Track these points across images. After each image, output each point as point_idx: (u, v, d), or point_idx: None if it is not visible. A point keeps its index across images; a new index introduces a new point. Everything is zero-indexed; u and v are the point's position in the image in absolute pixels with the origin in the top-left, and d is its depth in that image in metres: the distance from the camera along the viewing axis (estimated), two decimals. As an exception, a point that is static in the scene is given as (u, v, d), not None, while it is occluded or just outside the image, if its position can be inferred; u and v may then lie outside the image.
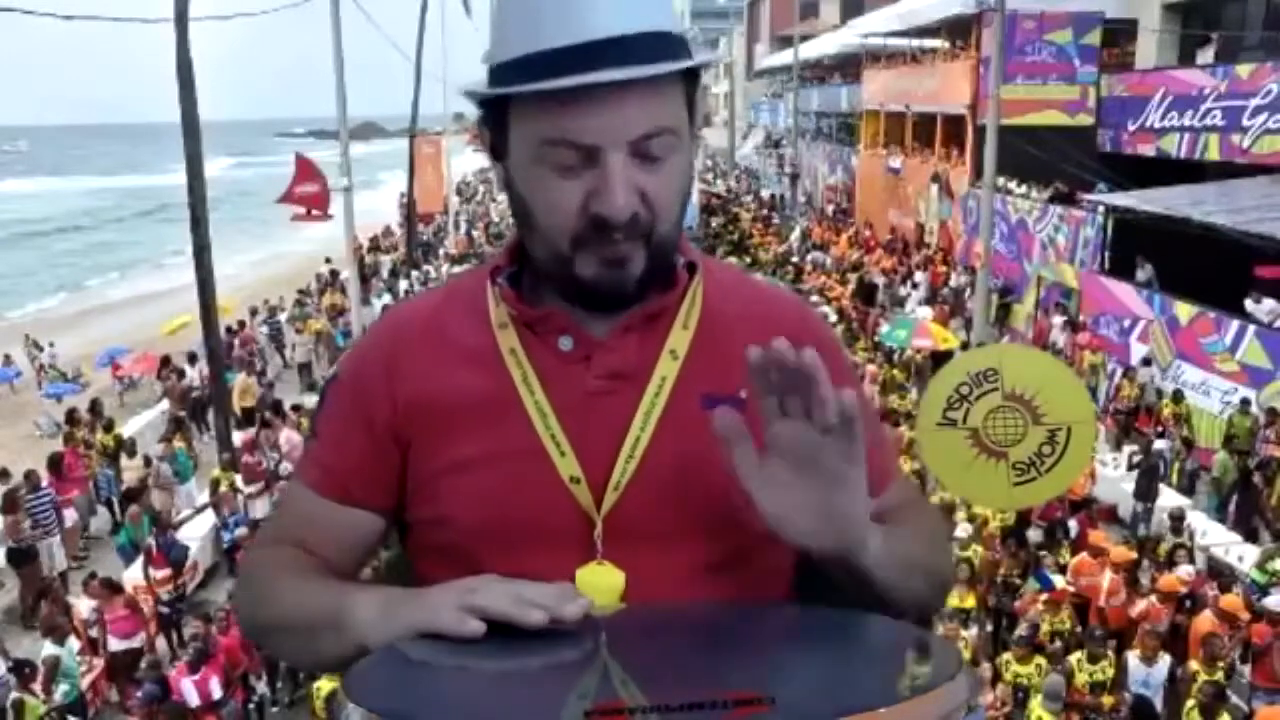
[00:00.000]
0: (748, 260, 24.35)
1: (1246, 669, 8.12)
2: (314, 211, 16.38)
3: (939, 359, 14.25)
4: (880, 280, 22.39)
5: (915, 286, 21.70)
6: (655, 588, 1.06)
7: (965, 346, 15.33)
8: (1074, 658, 7.64)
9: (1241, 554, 10.24)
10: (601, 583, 1.05)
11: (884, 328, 17.52)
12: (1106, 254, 17.28)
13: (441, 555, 1.12)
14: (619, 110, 0.99)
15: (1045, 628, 8.20)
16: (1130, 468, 12.20)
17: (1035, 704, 7.13)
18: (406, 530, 1.19)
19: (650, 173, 1.02)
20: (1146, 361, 15.34)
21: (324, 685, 7.39)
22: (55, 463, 12.22)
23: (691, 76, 1.06)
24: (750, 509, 1.09)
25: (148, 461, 13.02)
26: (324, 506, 1.17)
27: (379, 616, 0.99)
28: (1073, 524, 10.31)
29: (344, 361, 1.24)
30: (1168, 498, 11.59)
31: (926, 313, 18.63)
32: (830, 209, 34.25)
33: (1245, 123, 16.78)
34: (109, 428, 14.26)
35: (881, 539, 1.04)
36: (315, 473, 1.18)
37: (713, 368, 1.11)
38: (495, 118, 1.07)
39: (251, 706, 8.62)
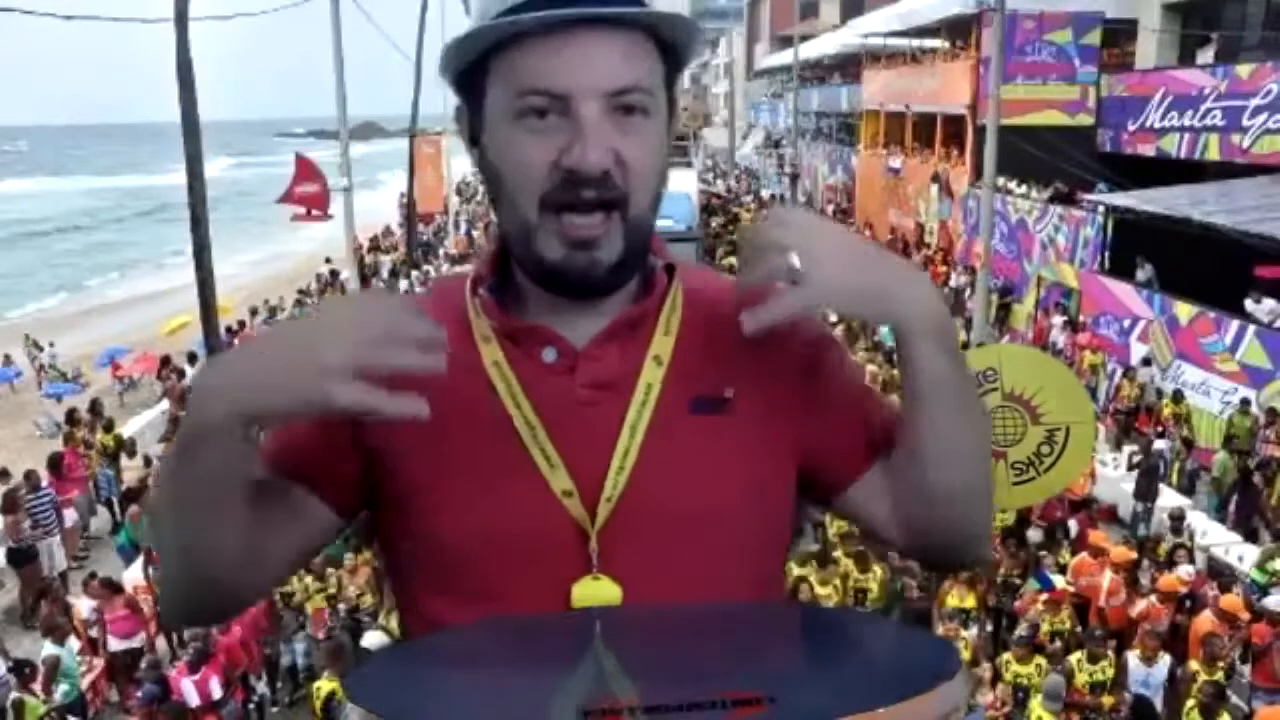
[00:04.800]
0: (748, 260, 24.30)
1: (1246, 669, 8.12)
2: (314, 211, 16.39)
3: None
4: (880, 280, 22.36)
5: (915, 286, 21.68)
6: (651, 595, 1.05)
7: (965, 346, 15.33)
8: (1074, 658, 7.63)
9: (1241, 554, 10.24)
10: (598, 596, 1.05)
11: (884, 328, 17.48)
12: (1106, 254, 17.28)
13: (433, 573, 1.10)
14: (591, 57, 1.00)
15: (1045, 628, 8.19)
16: (1130, 468, 12.19)
17: (1035, 704, 7.13)
18: (393, 552, 1.15)
19: (625, 135, 1.01)
20: (1146, 361, 15.34)
21: (324, 685, 7.39)
22: (55, 463, 12.21)
23: (669, 55, 1.07)
24: (740, 514, 1.10)
25: (148, 461, 13.02)
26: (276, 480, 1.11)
27: (231, 383, 0.95)
28: (1073, 524, 10.31)
29: None
30: (1168, 498, 11.58)
31: (926, 313, 18.60)
32: (830, 209, 34.24)
33: (1245, 123, 16.78)
34: (109, 428, 14.25)
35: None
36: (272, 447, 1.12)
37: (698, 371, 1.10)
38: (471, 96, 1.07)
39: (251, 706, 8.61)
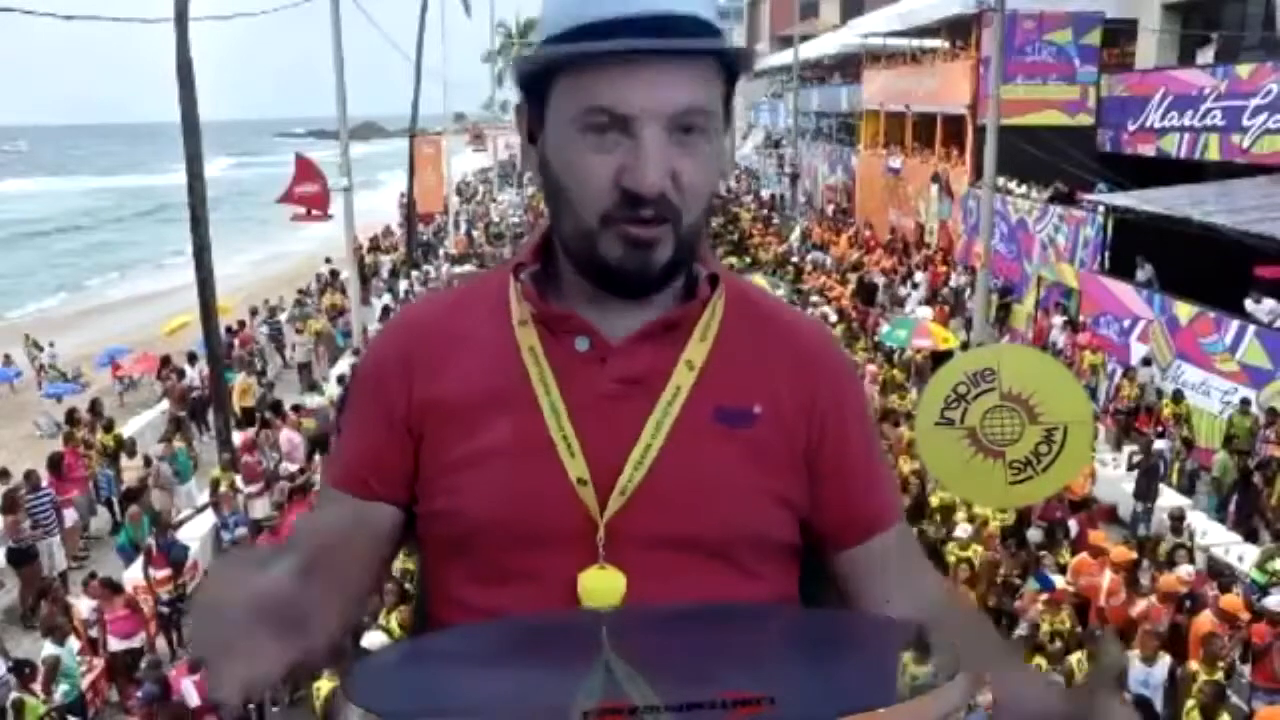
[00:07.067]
0: (748, 260, 24.35)
1: (1246, 669, 8.12)
2: (314, 211, 16.42)
3: (939, 359, 14.23)
4: (880, 280, 22.38)
5: (915, 286, 21.69)
6: (656, 594, 1.06)
7: (965, 346, 15.33)
8: (1074, 658, 7.62)
9: (1241, 554, 10.24)
10: (603, 586, 1.05)
11: (884, 328, 17.51)
12: (1106, 254, 17.28)
13: (450, 547, 1.13)
14: (657, 83, 1.01)
15: (1045, 628, 8.19)
16: (1130, 468, 12.19)
17: (1035, 704, 7.12)
18: (416, 521, 1.19)
19: (684, 155, 1.04)
20: (1146, 361, 15.34)
21: (324, 685, 7.39)
22: (55, 463, 12.21)
23: (728, 75, 1.09)
24: (752, 526, 1.10)
25: (148, 461, 13.00)
26: (345, 504, 1.17)
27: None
28: (1073, 524, 10.31)
29: (364, 357, 1.25)
30: (1168, 498, 11.58)
31: (926, 313, 18.62)
32: (830, 209, 34.23)
33: (1245, 123, 16.78)
34: (109, 428, 14.24)
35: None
36: (338, 469, 1.20)
37: (728, 382, 1.11)
38: (536, 97, 1.09)
39: (251, 706, 8.61)
